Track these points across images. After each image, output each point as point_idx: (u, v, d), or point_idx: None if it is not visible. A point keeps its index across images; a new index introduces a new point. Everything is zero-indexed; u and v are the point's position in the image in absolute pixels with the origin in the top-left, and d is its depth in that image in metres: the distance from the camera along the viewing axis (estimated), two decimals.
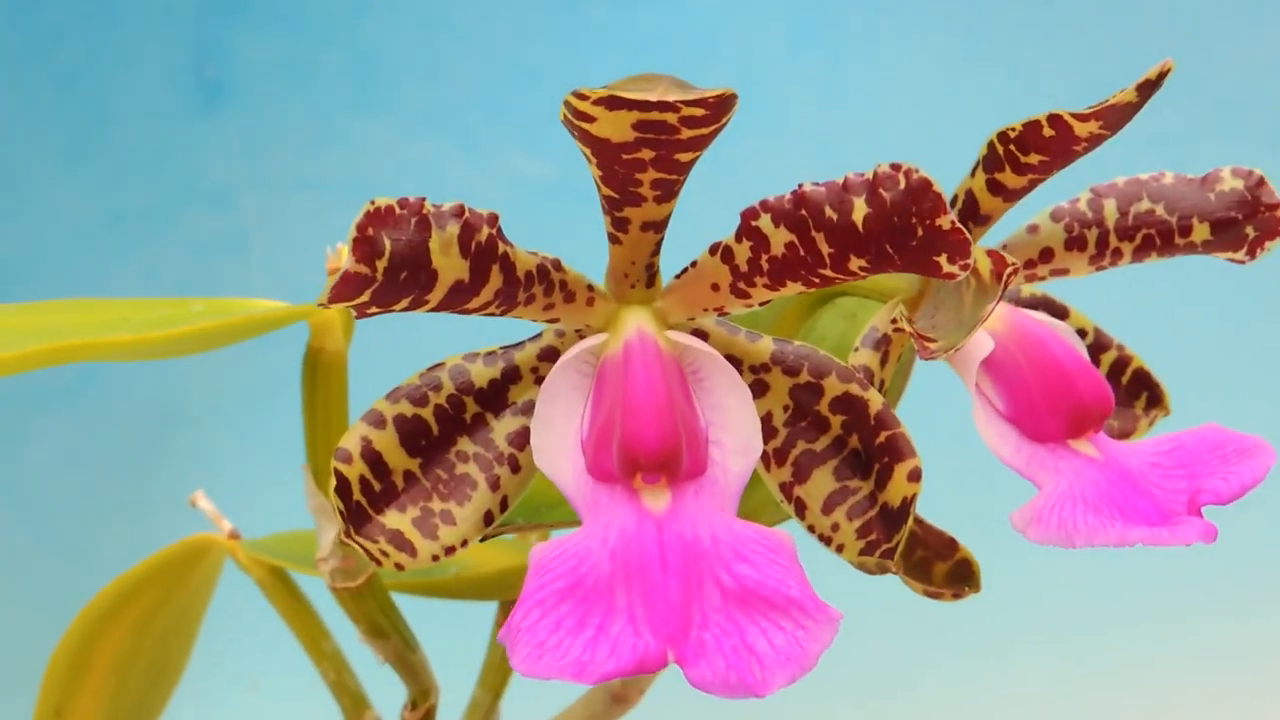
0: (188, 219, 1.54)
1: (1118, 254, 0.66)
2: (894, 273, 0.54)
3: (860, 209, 0.51)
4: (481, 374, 0.60)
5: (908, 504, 0.60)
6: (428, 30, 1.58)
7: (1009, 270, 0.57)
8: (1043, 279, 0.68)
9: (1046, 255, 0.67)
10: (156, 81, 1.53)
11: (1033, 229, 0.67)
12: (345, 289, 0.51)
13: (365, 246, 0.50)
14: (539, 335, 0.61)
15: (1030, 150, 0.60)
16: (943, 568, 0.66)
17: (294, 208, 1.54)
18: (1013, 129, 0.60)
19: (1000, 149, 0.61)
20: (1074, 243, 0.66)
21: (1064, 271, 0.67)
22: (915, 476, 0.60)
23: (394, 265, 0.51)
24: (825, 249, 0.53)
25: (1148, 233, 0.66)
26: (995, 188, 0.63)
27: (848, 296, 0.70)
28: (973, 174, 0.63)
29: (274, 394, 1.48)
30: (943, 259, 0.52)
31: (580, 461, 0.56)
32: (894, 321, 0.63)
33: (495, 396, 0.60)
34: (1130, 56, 1.52)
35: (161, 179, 1.54)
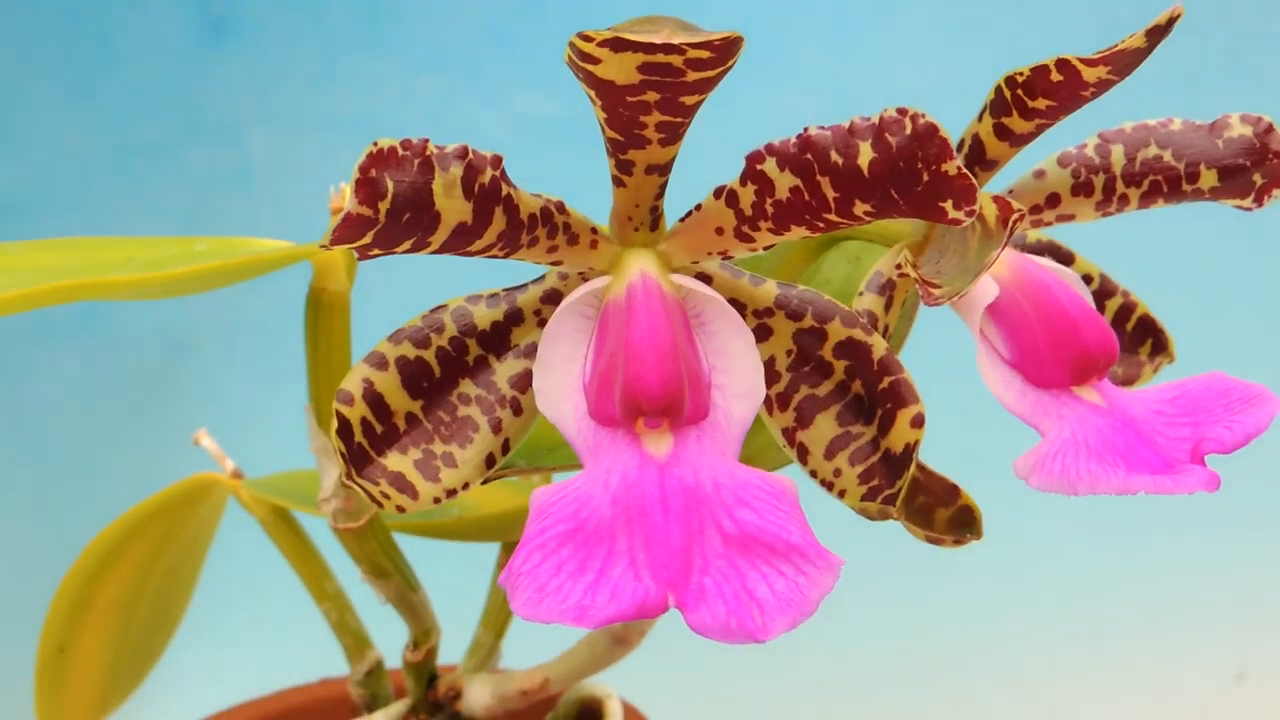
0: (194, 155, 1.54)
1: (1124, 200, 0.66)
2: (899, 218, 0.54)
3: (866, 153, 0.51)
4: (484, 316, 0.60)
5: (910, 450, 0.60)
6: None
7: (1015, 215, 0.56)
8: (1049, 224, 0.67)
9: (1053, 201, 0.66)
10: (163, 17, 1.53)
11: (1039, 174, 0.66)
12: (347, 230, 0.51)
13: (368, 188, 0.50)
14: (542, 278, 0.61)
15: (1038, 95, 0.60)
16: (944, 514, 0.66)
17: (300, 144, 1.54)
18: (1020, 73, 0.60)
19: (1008, 93, 0.61)
20: (1081, 188, 0.66)
21: (1070, 217, 0.67)
22: (918, 423, 0.60)
23: (396, 207, 0.51)
24: (830, 193, 0.53)
25: (1155, 179, 0.65)
26: (1002, 132, 0.62)
27: (853, 240, 0.70)
28: (979, 119, 0.62)
29: (279, 330, 1.48)
30: (948, 205, 0.51)
31: (582, 405, 0.56)
32: (899, 266, 0.63)
33: (497, 339, 0.60)
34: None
35: (168, 115, 1.54)
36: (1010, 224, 0.56)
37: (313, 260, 0.72)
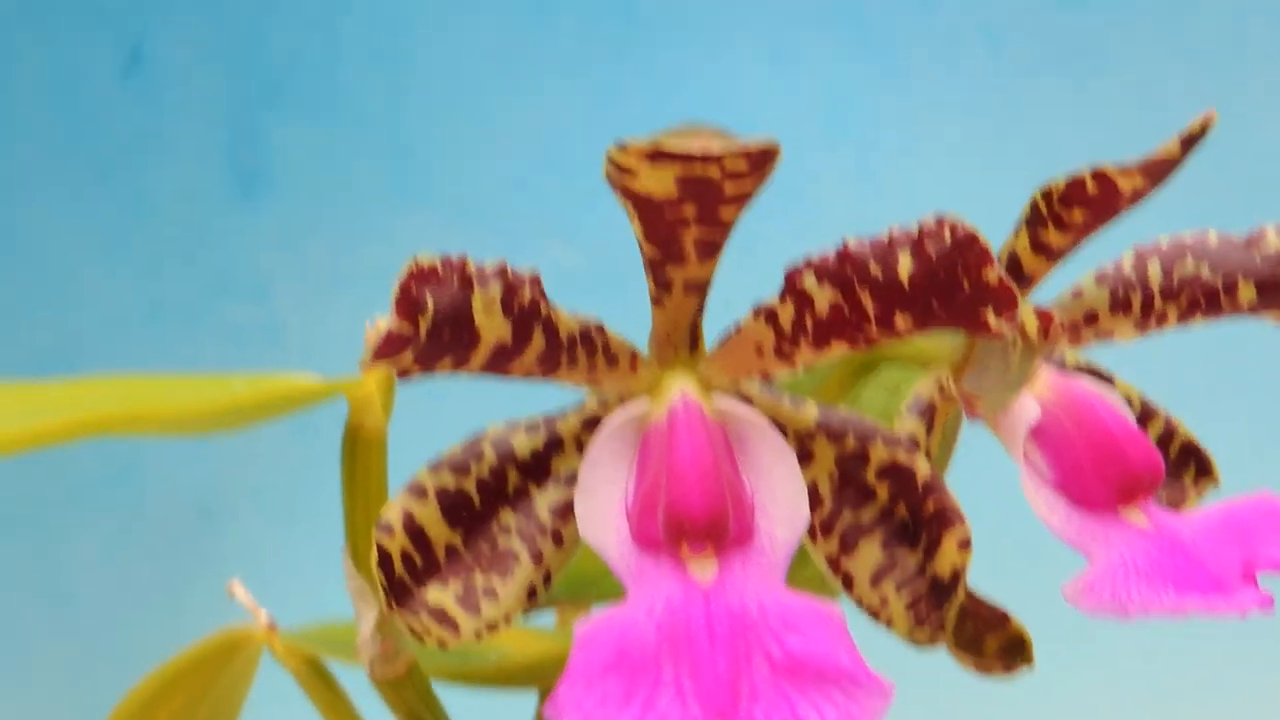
0: (225, 309, 1.55)
1: (1163, 316, 0.65)
2: (938, 334, 0.54)
3: (906, 264, 0.51)
4: (524, 444, 0.60)
5: (957, 574, 0.59)
6: (463, 121, 1.60)
7: (1055, 323, 0.56)
8: (1088, 343, 0.67)
9: (1091, 319, 0.66)
10: (194, 172, 1.55)
11: (1076, 293, 0.66)
12: (387, 348, 0.51)
13: (408, 304, 0.50)
14: (581, 404, 0.60)
15: (1074, 207, 0.60)
16: (994, 642, 0.65)
17: (331, 298, 1.55)
18: (1056, 186, 0.60)
19: (1043, 206, 0.61)
20: (1119, 306, 0.65)
21: (1109, 335, 0.66)
22: (965, 545, 0.59)
23: (437, 324, 0.51)
24: (871, 306, 0.53)
25: (1193, 294, 0.65)
26: (1039, 246, 0.62)
27: (890, 368, 0.70)
28: (1016, 234, 0.62)
29: (312, 484, 1.48)
30: (989, 312, 0.51)
31: (625, 530, 0.55)
32: (940, 388, 0.62)
33: (538, 467, 0.60)
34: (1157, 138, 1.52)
35: (199, 269, 1.56)
36: (1051, 333, 0.56)
37: (349, 396, 0.72)
